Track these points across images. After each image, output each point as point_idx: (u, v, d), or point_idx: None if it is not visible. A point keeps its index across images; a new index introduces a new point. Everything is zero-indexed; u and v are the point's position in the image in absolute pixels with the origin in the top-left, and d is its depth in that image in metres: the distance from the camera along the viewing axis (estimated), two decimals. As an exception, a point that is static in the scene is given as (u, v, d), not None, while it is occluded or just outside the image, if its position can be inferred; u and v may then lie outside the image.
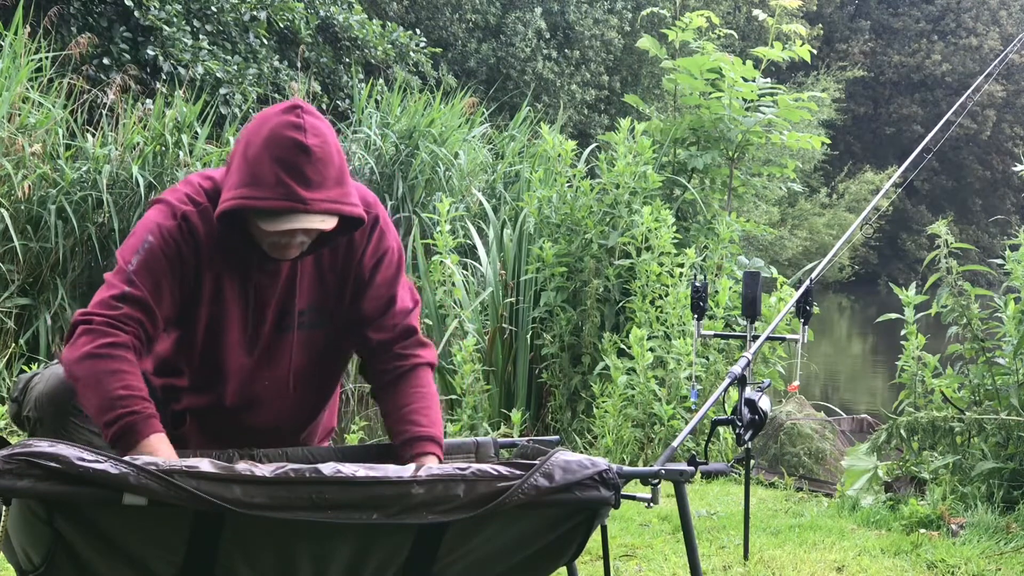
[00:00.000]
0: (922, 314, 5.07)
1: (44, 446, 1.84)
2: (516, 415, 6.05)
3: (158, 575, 1.94)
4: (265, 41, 12.10)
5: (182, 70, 10.22)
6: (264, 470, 1.91)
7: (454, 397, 6.59)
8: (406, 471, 1.99)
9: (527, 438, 2.77)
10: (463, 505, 1.98)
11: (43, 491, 1.81)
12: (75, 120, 8.09)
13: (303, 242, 2.44)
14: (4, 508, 1.88)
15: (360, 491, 1.93)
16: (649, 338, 5.83)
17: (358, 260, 2.59)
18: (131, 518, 1.88)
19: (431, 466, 2.03)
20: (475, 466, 2.03)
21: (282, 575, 2.00)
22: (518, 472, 2.03)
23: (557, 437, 2.85)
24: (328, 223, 2.37)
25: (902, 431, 4.53)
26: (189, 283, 2.47)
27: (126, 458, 1.87)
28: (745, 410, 3.21)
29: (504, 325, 7.00)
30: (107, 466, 1.83)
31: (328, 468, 1.94)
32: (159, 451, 2.25)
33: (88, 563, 1.91)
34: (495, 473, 2.02)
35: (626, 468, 2.15)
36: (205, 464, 1.89)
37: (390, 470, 2.01)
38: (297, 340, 2.58)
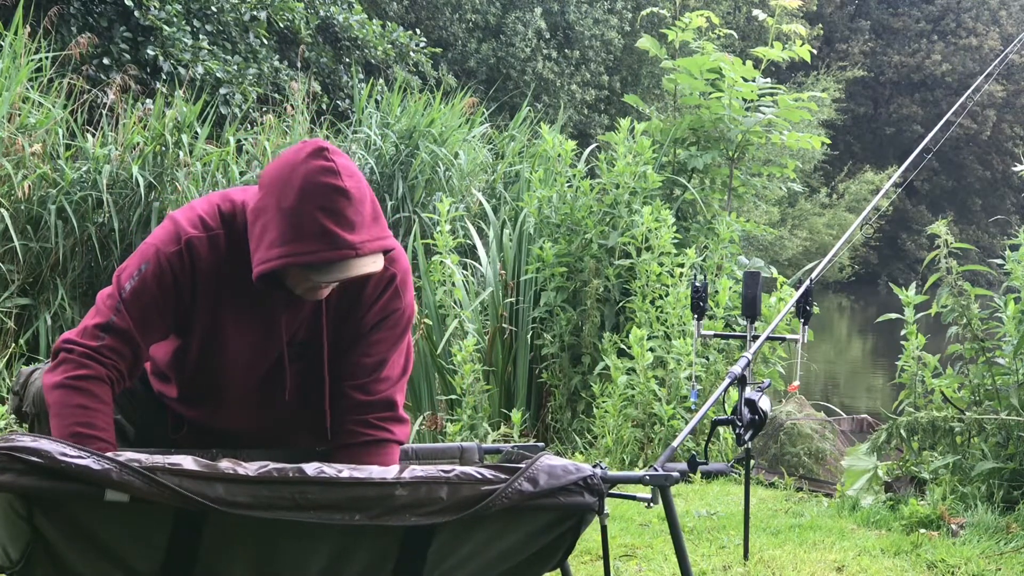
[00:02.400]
0: (922, 314, 5.06)
1: (26, 440, 1.81)
2: (516, 415, 6.05)
3: (138, 572, 1.92)
4: (265, 41, 12.10)
5: (182, 70, 10.21)
6: (247, 469, 1.89)
7: (454, 397, 6.59)
8: (390, 472, 1.98)
9: (511, 444, 2.74)
10: (446, 508, 1.96)
11: (24, 486, 1.79)
12: (75, 120, 8.07)
13: (336, 281, 2.39)
14: None
15: (343, 492, 1.91)
16: (649, 338, 5.83)
17: (361, 315, 2.53)
18: (112, 515, 1.86)
19: (415, 468, 2.01)
20: (459, 469, 2.00)
21: (263, 574, 1.98)
22: (503, 476, 2.01)
23: (542, 444, 2.83)
24: (378, 263, 2.33)
25: (902, 431, 4.53)
26: (184, 311, 2.44)
27: (108, 454, 1.85)
28: (745, 410, 3.20)
29: (504, 325, 6.99)
30: (89, 462, 1.82)
31: (311, 468, 1.92)
32: None
33: (67, 559, 1.89)
34: (479, 476, 2.00)
35: (611, 473, 2.13)
36: (188, 462, 1.87)
37: (374, 471, 1.99)
38: (295, 371, 2.55)
